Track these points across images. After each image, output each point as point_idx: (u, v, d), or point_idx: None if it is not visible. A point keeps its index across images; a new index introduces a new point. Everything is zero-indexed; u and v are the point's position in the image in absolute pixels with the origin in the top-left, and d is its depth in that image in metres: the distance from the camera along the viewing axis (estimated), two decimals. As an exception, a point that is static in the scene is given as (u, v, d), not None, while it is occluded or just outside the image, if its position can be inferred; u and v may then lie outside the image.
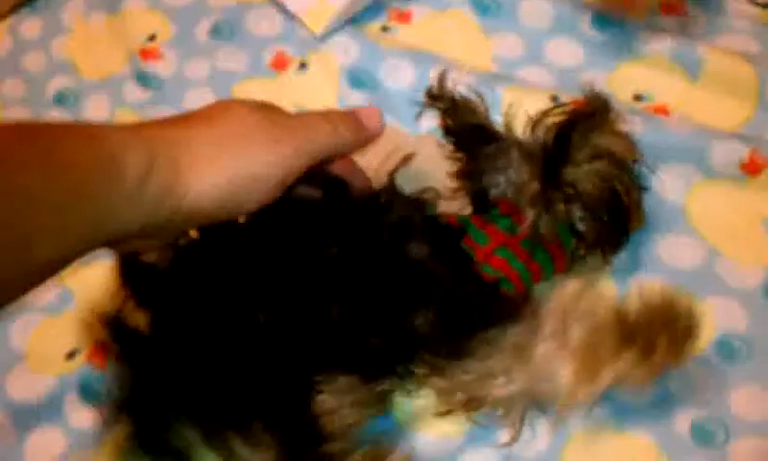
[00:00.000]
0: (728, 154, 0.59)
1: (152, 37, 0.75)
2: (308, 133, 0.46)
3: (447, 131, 0.55)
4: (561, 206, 0.52)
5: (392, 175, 0.53)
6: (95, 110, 0.72)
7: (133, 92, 0.72)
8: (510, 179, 0.54)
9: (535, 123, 0.54)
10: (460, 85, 0.55)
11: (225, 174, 0.43)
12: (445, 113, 0.55)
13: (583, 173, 0.51)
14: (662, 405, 0.51)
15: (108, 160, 0.40)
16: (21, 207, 0.36)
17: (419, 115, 0.56)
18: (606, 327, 0.43)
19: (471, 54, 0.68)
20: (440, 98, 0.55)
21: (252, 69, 0.71)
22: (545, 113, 0.54)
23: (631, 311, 0.44)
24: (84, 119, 0.71)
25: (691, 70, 0.63)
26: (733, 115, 0.62)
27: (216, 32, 0.74)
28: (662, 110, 0.63)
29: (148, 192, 0.41)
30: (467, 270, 0.50)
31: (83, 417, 0.55)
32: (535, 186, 0.52)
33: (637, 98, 0.64)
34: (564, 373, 0.43)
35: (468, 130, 0.55)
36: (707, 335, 0.52)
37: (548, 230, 0.52)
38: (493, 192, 0.55)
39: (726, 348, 0.53)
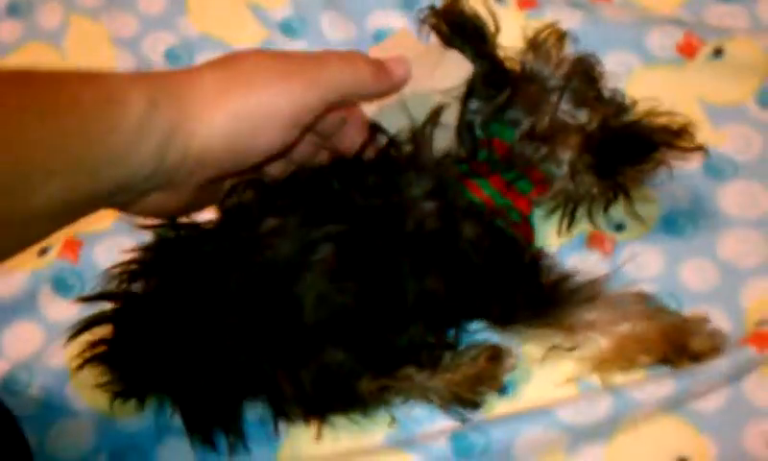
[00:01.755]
0: (664, 38, 0.61)
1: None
2: (323, 68, 0.44)
3: (439, 34, 0.54)
4: (595, 191, 0.53)
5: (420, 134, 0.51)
6: (48, 18, 0.72)
7: (85, -2, 0.72)
8: (544, 145, 0.54)
9: (533, 45, 0.55)
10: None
11: (233, 110, 0.42)
12: (452, 26, 0.54)
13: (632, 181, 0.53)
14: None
15: (107, 101, 0.39)
16: (19, 149, 0.36)
17: (421, 21, 0.56)
18: (648, 331, 0.50)
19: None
20: (452, 12, 0.54)
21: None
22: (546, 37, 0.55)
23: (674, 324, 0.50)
24: (37, 28, 0.71)
25: (631, -46, 0.66)
26: (671, -3, 0.64)
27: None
28: (604, -3, 0.65)
29: (151, 133, 0.40)
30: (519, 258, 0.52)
31: (58, 310, 0.57)
32: (580, 167, 0.52)
33: (580, -15, 0.66)
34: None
35: (476, 53, 0.54)
36: (653, 217, 0.56)
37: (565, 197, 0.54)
38: (498, 134, 0.54)
39: (672, 225, 0.56)
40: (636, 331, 0.50)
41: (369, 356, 0.49)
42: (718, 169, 0.57)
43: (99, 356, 0.50)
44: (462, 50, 0.53)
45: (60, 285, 0.58)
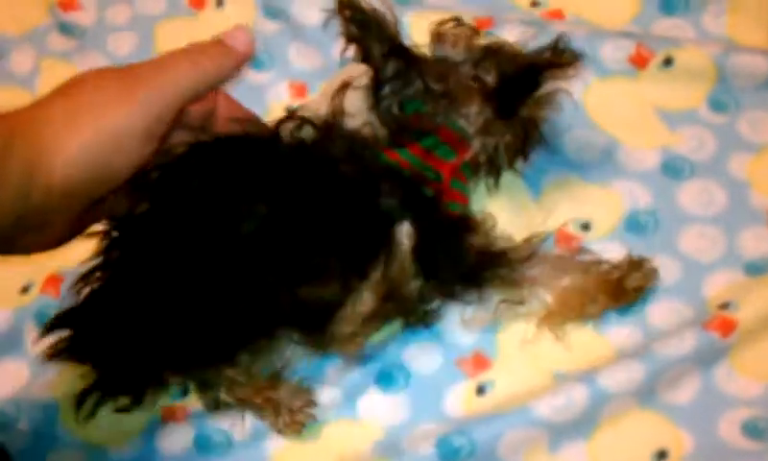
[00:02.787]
0: (616, 50, 0.64)
1: (68, -12, 0.76)
2: (163, 74, 0.45)
3: (352, 40, 0.56)
4: (508, 137, 0.56)
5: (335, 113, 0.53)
6: (21, 64, 0.73)
7: (58, 42, 0.73)
8: (450, 104, 0.56)
9: (438, 36, 0.58)
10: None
11: (87, 136, 0.42)
12: (354, 23, 0.56)
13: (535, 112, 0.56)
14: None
15: None
16: None
17: (327, 22, 0.57)
18: (587, 282, 0.54)
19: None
20: (351, 6, 0.56)
21: (171, 10, 0.73)
22: (449, 26, 0.59)
23: (607, 271, 0.54)
24: (10, 73, 0.72)
25: (581, -27, 0.69)
26: (621, 12, 0.67)
27: (133, -22, 0.76)
28: (557, 14, 0.68)
29: (9, 175, 0.40)
30: (440, 215, 0.53)
31: (42, 345, 0.58)
32: (487, 117, 0.56)
33: (534, 4, 0.69)
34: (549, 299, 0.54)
35: (380, 44, 0.56)
36: (617, 215, 0.59)
37: (486, 154, 0.57)
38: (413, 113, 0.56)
39: (634, 224, 0.59)
40: (576, 284, 0.53)
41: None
42: (676, 169, 0.60)
43: (65, 349, 0.50)
44: (369, 44, 0.56)
45: (44, 321, 0.58)
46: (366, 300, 0.50)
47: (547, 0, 0.69)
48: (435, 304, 0.54)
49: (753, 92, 0.62)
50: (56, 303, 0.59)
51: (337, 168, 0.50)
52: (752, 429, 0.51)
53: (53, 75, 0.71)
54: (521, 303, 0.54)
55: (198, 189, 0.47)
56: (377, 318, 0.53)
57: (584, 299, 0.54)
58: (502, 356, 0.55)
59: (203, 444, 0.55)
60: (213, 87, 0.48)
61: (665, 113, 0.62)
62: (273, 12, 0.71)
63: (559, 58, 0.55)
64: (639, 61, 0.64)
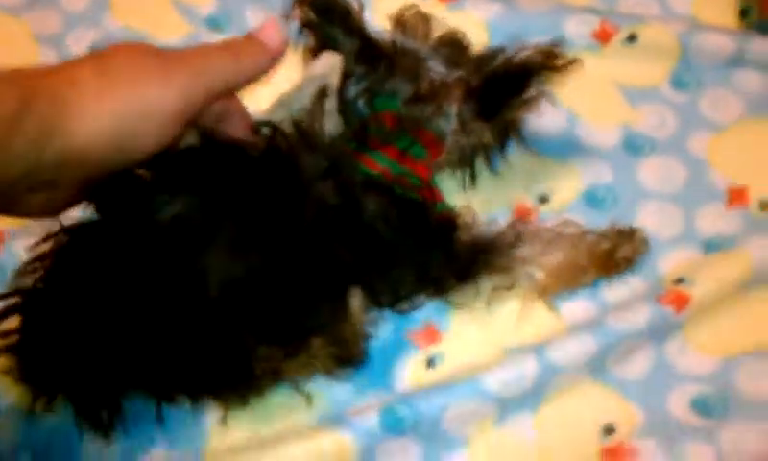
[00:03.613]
0: (580, 25, 0.63)
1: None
2: (204, 62, 0.44)
3: (309, 26, 0.55)
4: (487, 137, 0.55)
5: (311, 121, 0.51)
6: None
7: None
8: (426, 103, 0.55)
9: (399, 22, 0.57)
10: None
11: (116, 108, 0.41)
12: (314, 8, 0.55)
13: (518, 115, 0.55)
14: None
15: None
16: None
17: (288, 13, 0.56)
18: (577, 255, 0.53)
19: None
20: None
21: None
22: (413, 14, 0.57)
23: (596, 243, 0.53)
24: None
25: (546, -52, 0.68)
26: (587, -15, 0.67)
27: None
28: (522, -13, 0.67)
29: (26, 129, 0.39)
30: (426, 221, 0.52)
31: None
32: (465, 116, 0.54)
33: (499, -23, 0.68)
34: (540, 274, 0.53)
35: (345, 34, 0.55)
36: (575, 189, 0.58)
37: (460, 153, 0.56)
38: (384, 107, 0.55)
39: (593, 198, 0.58)
40: (568, 259, 0.52)
41: (272, 333, 0.48)
42: (636, 146, 0.59)
43: (9, 347, 0.48)
44: (331, 32, 0.54)
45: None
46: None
47: (513, -27, 0.68)
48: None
49: (715, 71, 0.61)
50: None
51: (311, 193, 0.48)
52: (701, 406, 0.50)
53: (2, 30, 0.69)
54: (513, 286, 0.53)
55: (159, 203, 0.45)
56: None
57: (575, 272, 0.53)
58: (454, 329, 0.54)
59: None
60: (247, 84, 0.47)
61: (627, 90, 0.62)
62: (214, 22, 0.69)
63: (552, 61, 0.53)
64: (603, 37, 0.63)
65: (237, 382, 0.49)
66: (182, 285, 0.45)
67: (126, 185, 0.45)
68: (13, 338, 0.48)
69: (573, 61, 0.53)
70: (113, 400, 0.49)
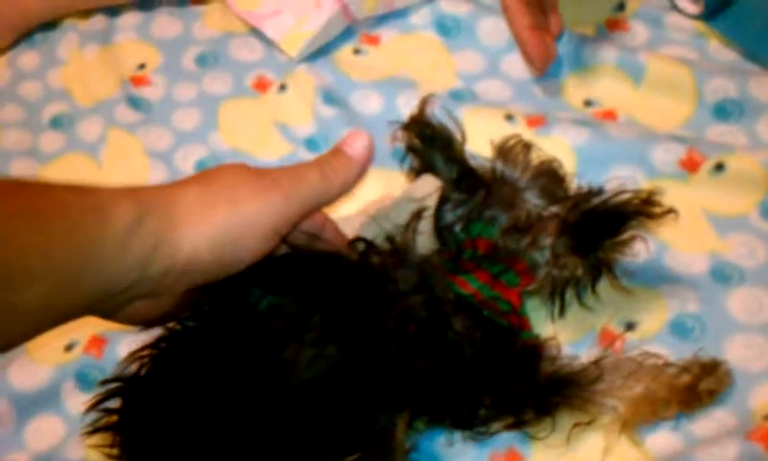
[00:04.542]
0: (667, 153, 0.64)
1: (142, 66, 0.80)
2: (296, 180, 0.47)
3: (412, 150, 0.58)
4: (580, 273, 0.55)
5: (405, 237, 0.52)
6: (88, 132, 0.77)
7: (125, 115, 0.77)
8: (522, 234, 0.56)
9: (501, 151, 0.59)
10: (436, 109, 0.59)
11: (218, 224, 0.45)
12: (420, 137, 0.57)
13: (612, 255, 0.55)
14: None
15: (96, 211, 0.41)
16: (7, 253, 0.38)
17: (393, 138, 0.59)
18: (658, 388, 0.52)
19: (437, 71, 0.74)
20: (419, 122, 0.58)
21: (236, 90, 0.77)
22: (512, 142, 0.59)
23: (677, 375, 0.53)
24: (78, 140, 0.76)
25: (635, 76, 0.70)
26: (674, 115, 0.68)
27: (202, 60, 0.80)
28: (610, 114, 0.69)
29: (137, 243, 0.42)
30: (511, 347, 0.53)
31: (80, 404, 0.58)
32: (560, 250, 0.54)
33: (587, 103, 0.70)
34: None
35: (445, 161, 0.57)
36: (662, 318, 0.58)
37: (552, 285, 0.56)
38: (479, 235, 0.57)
39: (680, 328, 0.57)
40: (648, 392, 0.52)
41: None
42: (725, 275, 0.59)
43: (109, 426, 0.50)
44: (432, 158, 0.57)
45: (84, 380, 0.60)
46: None
47: (601, 100, 0.70)
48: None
49: (805, 203, 0.61)
50: (98, 363, 0.60)
51: (406, 303, 0.49)
52: None
53: (117, 145, 0.75)
54: (593, 422, 0.52)
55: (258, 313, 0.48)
56: None
57: (655, 405, 0.52)
58: (536, 457, 0.54)
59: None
60: (337, 200, 0.50)
61: (715, 218, 0.62)
62: (331, 99, 0.73)
63: (650, 209, 0.53)
64: (690, 165, 0.64)
65: None
66: (269, 376, 0.47)
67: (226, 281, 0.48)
68: (113, 418, 0.50)
69: (670, 211, 0.54)
70: None
